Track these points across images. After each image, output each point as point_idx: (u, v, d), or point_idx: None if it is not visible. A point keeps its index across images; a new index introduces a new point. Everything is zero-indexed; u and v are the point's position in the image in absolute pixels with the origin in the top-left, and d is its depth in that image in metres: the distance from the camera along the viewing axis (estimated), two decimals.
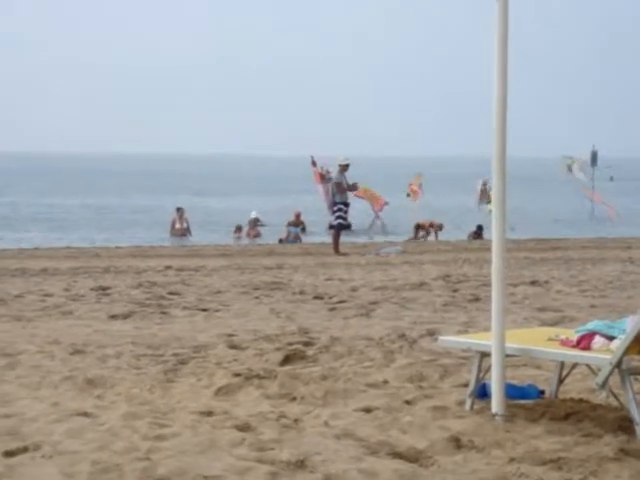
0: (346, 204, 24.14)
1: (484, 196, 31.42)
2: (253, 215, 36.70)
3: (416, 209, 31.45)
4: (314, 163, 24.47)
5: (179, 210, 33.90)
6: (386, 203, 30.71)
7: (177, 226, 33.49)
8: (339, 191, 23.96)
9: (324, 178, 24.30)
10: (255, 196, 61.49)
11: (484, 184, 31.28)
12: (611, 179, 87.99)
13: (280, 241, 31.19)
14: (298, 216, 34.40)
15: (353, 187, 24.31)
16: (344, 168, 24.04)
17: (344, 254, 23.28)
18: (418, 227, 32.60)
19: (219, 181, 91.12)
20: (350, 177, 24.22)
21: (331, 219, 24.58)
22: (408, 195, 33.60)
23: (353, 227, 25.41)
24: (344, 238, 25.86)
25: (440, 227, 32.79)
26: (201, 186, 76.78)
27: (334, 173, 24.13)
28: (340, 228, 24.16)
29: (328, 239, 26.95)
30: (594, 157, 55.26)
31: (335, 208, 24.04)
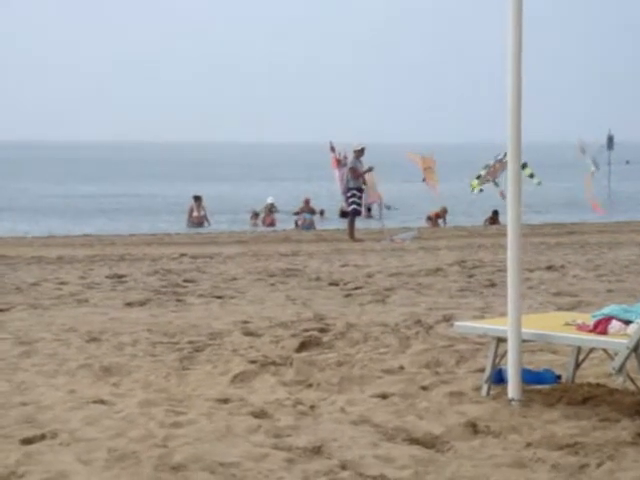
0: (360, 189, 24.06)
1: (491, 173, 31.04)
2: (269, 201, 36.69)
3: (437, 195, 31.23)
4: (332, 149, 24.44)
5: (197, 199, 33.91)
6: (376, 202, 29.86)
7: (195, 214, 33.51)
8: (354, 176, 23.90)
9: (340, 163, 24.23)
10: (265, 183, 61.49)
11: (498, 160, 30.96)
12: (627, 162, 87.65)
13: (296, 225, 31.21)
14: (307, 202, 34.36)
15: (368, 170, 24.20)
16: (359, 153, 23.98)
17: (359, 240, 23.25)
18: (428, 219, 32.54)
19: (227, 168, 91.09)
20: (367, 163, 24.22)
21: (344, 205, 24.55)
22: (424, 180, 33.44)
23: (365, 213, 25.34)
24: (358, 224, 25.83)
25: (445, 211, 32.69)
26: (211, 172, 76.80)
27: (349, 159, 24.08)
28: (355, 214, 24.12)
29: (343, 225, 26.92)
30: (610, 141, 55.05)
31: (349, 194, 23.97)
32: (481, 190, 30.42)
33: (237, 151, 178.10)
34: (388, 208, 32.15)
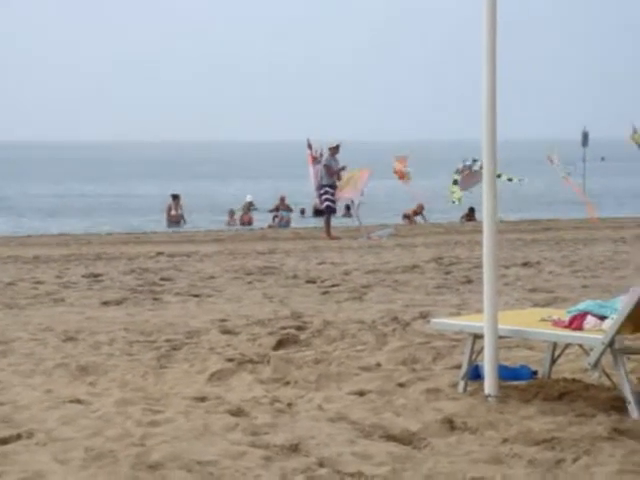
0: (333, 187, 24.05)
1: (465, 181, 31.04)
2: (248, 199, 36.63)
3: (414, 192, 31.17)
4: (309, 146, 24.38)
5: (175, 197, 33.88)
6: (350, 199, 29.70)
7: (172, 213, 33.49)
8: (328, 174, 23.93)
9: (315, 160, 24.20)
10: (249, 180, 61.40)
11: (467, 167, 30.91)
12: (602, 159, 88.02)
13: (273, 221, 31.20)
14: (283, 200, 34.36)
15: (342, 170, 24.21)
16: (334, 150, 24.01)
17: (336, 238, 23.26)
18: (405, 217, 32.59)
19: (206, 166, 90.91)
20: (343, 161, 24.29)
21: (317, 202, 24.59)
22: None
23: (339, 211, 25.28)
24: (334, 222, 25.87)
25: (421, 208, 32.75)
26: (189, 172, 76.65)
27: (325, 156, 24.07)
28: (330, 211, 24.16)
29: (320, 223, 26.92)
30: (585, 138, 55.18)
31: (322, 191, 24.00)
32: (460, 200, 30.44)
33: (237, 150, 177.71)
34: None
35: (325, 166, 23.85)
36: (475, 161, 30.64)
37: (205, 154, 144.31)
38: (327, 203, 23.99)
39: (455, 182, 30.68)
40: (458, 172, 30.63)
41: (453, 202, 30.30)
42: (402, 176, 30.35)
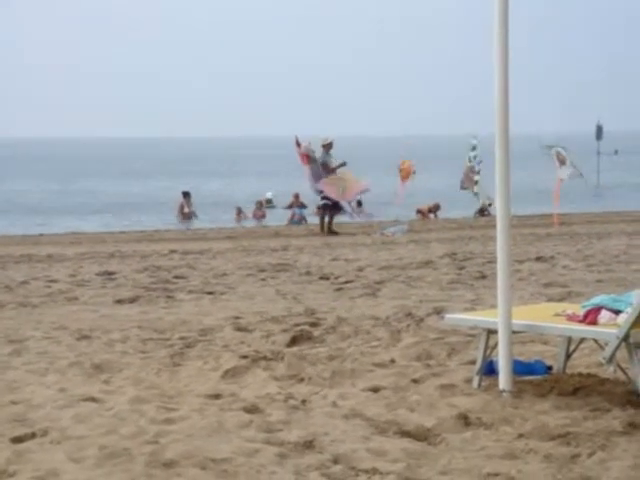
0: None
1: (468, 179, 31.08)
2: (268, 196, 36.59)
3: (406, 190, 31.10)
4: (298, 144, 24.14)
5: (186, 194, 33.90)
6: (366, 190, 29.61)
7: (185, 210, 33.53)
8: (324, 171, 23.99)
9: (310, 159, 24.06)
10: (253, 178, 61.38)
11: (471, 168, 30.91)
12: (615, 152, 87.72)
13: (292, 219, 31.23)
14: (297, 197, 34.29)
15: (341, 165, 24.27)
16: (328, 147, 24.06)
17: (335, 233, 23.44)
18: (418, 212, 32.55)
19: (214, 163, 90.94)
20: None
21: (317, 200, 24.78)
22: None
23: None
24: (344, 219, 26.04)
25: (437, 207, 32.71)
26: (199, 169, 76.69)
27: (318, 153, 24.09)
28: (325, 208, 24.24)
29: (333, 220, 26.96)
30: (599, 131, 55.09)
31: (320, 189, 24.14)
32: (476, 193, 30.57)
33: (248, 145, 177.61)
34: (359, 204, 32.08)
35: (322, 164, 23.90)
36: (475, 148, 30.62)
37: (215, 150, 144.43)
38: (324, 201, 24.13)
39: (476, 182, 30.80)
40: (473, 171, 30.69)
41: (476, 194, 30.40)
42: (406, 175, 30.30)
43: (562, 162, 26.17)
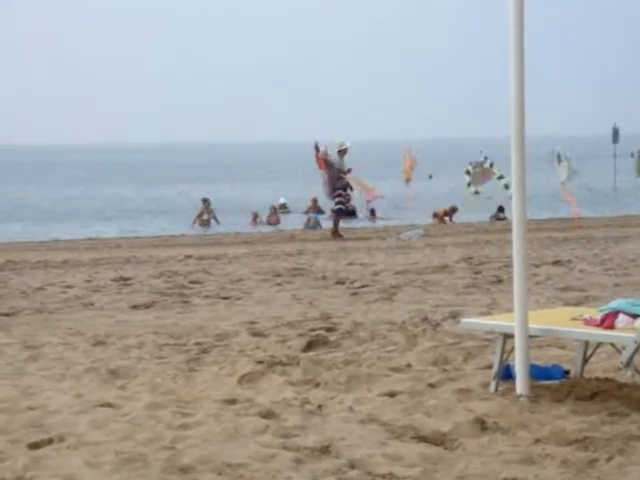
0: (345, 189, 24.46)
1: (476, 179, 31.02)
2: (282, 201, 36.60)
3: (412, 191, 31.05)
4: (317, 148, 24.31)
5: (205, 201, 33.99)
6: (380, 197, 29.77)
7: (204, 217, 33.62)
8: (339, 176, 24.20)
9: (327, 163, 24.25)
10: (267, 183, 61.40)
11: (474, 167, 30.83)
12: (632, 155, 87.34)
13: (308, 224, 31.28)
14: (315, 201, 34.31)
15: (347, 172, 24.60)
16: (343, 153, 24.24)
17: (342, 238, 23.49)
18: (435, 216, 32.52)
19: (225, 169, 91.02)
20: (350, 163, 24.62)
21: (332, 204, 24.96)
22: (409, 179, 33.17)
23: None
24: (358, 223, 26.19)
25: (453, 210, 32.66)
26: (212, 175, 76.75)
27: (333, 157, 24.31)
28: (339, 213, 24.38)
29: (349, 224, 27.05)
30: (616, 134, 54.90)
31: (335, 194, 24.28)
32: (477, 192, 30.50)
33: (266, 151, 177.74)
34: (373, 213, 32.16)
35: (338, 170, 24.15)
36: (486, 158, 30.64)
37: (235, 156, 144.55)
38: (339, 206, 24.28)
39: (469, 184, 30.72)
40: (469, 173, 30.64)
41: (476, 193, 30.28)
42: (408, 173, 30.29)
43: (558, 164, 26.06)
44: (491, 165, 30.39)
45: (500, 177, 30.82)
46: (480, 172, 30.59)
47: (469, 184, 30.30)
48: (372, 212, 32.97)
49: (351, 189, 24.56)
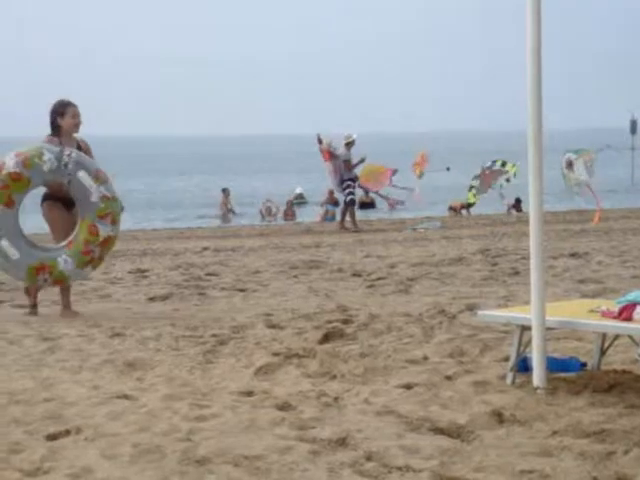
0: (353, 179, 24.71)
1: (485, 182, 30.72)
2: (298, 191, 36.60)
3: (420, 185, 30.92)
4: (320, 141, 24.50)
5: (224, 191, 34.03)
6: (394, 172, 29.94)
7: (224, 207, 33.71)
8: (347, 168, 24.39)
9: (332, 155, 24.43)
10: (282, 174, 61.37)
11: (489, 168, 30.55)
12: None
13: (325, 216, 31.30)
14: (332, 193, 34.34)
15: (361, 162, 24.97)
16: (350, 145, 24.41)
17: (354, 230, 23.59)
18: (450, 209, 32.49)
19: (246, 161, 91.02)
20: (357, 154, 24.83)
21: (358, 196, 25.20)
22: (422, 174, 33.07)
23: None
24: (379, 214, 26.24)
25: (470, 205, 32.61)
26: (231, 166, 76.79)
27: (340, 150, 24.47)
28: (351, 204, 24.52)
29: (365, 216, 27.10)
30: (634, 125, 54.64)
31: (344, 185, 24.45)
32: (475, 202, 30.44)
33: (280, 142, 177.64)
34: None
35: (345, 161, 24.35)
36: (494, 162, 30.54)
37: (248, 148, 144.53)
38: (350, 197, 24.49)
39: (471, 188, 30.56)
40: (477, 177, 30.51)
41: (470, 205, 30.22)
42: (419, 169, 30.23)
43: (569, 165, 25.57)
44: (503, 164, 30.22)
45: (504, 164, 30.51)
46: (488, 173, 30.43)
47: (471, 188, 30.20)
48: (392, 202, 33.01)
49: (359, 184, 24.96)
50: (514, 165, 29.56)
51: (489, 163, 30.41)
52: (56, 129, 10.70)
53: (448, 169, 28.63)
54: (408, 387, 7.11)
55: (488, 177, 30.43)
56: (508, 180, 29.87)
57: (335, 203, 33.78)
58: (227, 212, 33.26)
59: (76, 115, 10.74)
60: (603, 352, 7.30)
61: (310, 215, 32.56)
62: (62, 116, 10.67)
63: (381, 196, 33.47)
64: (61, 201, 10.66)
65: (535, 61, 6.70)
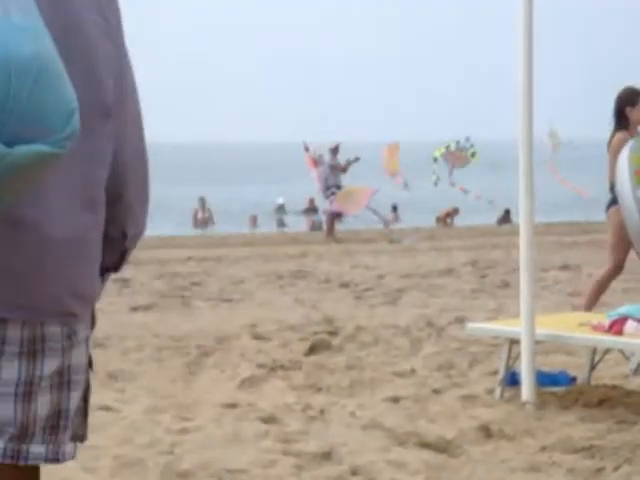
0: (338, 187, 24.59)
1: (450, 162, 30.27)
2: (280, 201, 36.49)
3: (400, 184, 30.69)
4: (307, 149, 24.65)
5: (201, 200, 33.94)
6: (374, 192, 29.34)
7: (199, 216, 33.55)
8: (333, 174, 24.32)
9: (317, 163, 24.54)
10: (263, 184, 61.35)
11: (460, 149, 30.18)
12: None
13: (313, 224, 31.25)
14: (312, 202, 34.26)
15: (355, 160, 24.73)
16: (335, 151, 24.45)
17: (334, 240, 23.54)
18: (438, 220, 32.49)
19: (228, 169, 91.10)
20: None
21: (326, 204, 25.13)
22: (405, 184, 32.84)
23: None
24: (366, 225, 26.27)
25: (455, 211, 32.61)
26: (217, 175, 76.78)
27: (326, 157, 24.55)
28: (335, 213, 24.56)
29: (354, 226, 27.01)
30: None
31: (329, 192, 24.43)
32: (435, 159, 29.94)
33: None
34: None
35: (330, 166, 24.34)
36: (458, 142, 30.30)
37: (236, 156, 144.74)
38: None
39: (435, 160, 30.16)
40: (445, 153, 30.14)
41: (435, 159, 29.79)
42: (391, 170, 29.66)
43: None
44: (472, 155, 29.99)
45: (473, 154, 30.33)
46: (456, 154, 30.14)
47: (435, 159, 29.73)
48: (394, 208, 32.92)
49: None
50: (474, 154, 29.58)
51: (454, 145, 30.34)
52: None
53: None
54: (395, 400, 7.03)
55: (454, 157, 30.23)
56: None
57: (314, 210, 33.72)
58: (204, 221, 33.17)
59: None
60: (593, 366, 7.23)
61: (296, 226, 32.49)
62: None
63: (373, 211, 33.17)
64: None
65: (526, 71, 6.64)
